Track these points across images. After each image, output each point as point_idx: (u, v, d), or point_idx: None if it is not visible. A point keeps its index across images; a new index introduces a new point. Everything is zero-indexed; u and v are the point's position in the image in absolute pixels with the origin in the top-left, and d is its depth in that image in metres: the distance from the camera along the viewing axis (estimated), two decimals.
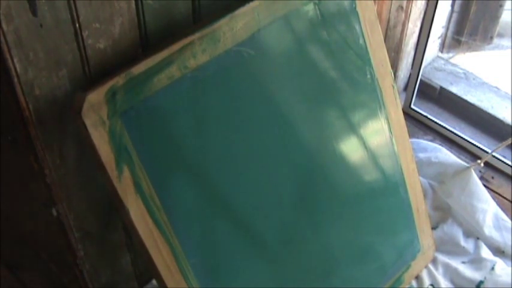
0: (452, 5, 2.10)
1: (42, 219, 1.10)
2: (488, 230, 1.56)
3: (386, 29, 1.77)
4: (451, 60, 2.19)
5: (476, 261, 1.52)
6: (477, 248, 1.55)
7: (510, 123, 1.88)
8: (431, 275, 1.50)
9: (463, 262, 1.53)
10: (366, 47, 1.25)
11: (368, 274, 1.37)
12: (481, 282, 1.47)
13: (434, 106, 2.00)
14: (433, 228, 1.56)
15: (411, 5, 1.74)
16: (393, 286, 1.42)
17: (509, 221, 1.58)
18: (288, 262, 1.23)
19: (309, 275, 1.27)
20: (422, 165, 1.67)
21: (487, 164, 1.72)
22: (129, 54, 0.98)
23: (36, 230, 1.21)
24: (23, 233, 1.29)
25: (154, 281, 1.34)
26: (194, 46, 0.99)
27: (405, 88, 1.98)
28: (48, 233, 1.15)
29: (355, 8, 1.21)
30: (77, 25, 0.87)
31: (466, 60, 2.21)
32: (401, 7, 1.74)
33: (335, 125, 1.25)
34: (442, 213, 1.63)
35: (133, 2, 0.94)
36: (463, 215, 1.59)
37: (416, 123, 1.93)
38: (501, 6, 2.20)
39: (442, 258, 1.53)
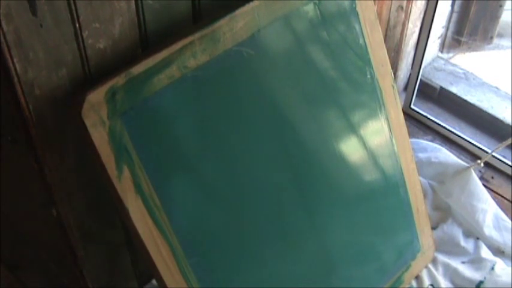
0: (452, 5, 2.09)
1: (42, 219, 1.10)
2: (488, 230, 1.56)
3: (386, 29, 1.77)
4: (451, 60, 2.19)
5: (476, 261, 1.52)
6: (477, 248, 1.55)
7: (510, 123, 1.88)
8: (431, 275, 1.49)
9: (463, 262, 1.52)
10: (366, 47, 1.25)
11: (368, 274, 1.37)
12: (481, 282, 1.47)
13: (434, 106, 2.00)
14: (433, 228, 1.56)
15: (411, 5, 1.74)
16: (393, 286, 1.42)
17: (509, 221, 1.58)
18: (288, 262, 1.23)
19: (309, 275, 1.27)
20: (422, 165, 1.67)
21: (487, 164, 1.72)
22: (129, 54, 0.98)
23: (36, 230, 1.21)
24: (23, 233, 1.29)
25: (154, 281, 1.34)
26: (194, 46, 0.99)
27: (405, 88, 1.98)
28: (48, 233, 1.15)
29: (355, 8, 1.21)
30: (77, 25, 0.87)
31: (466, 60, 2.21)
32: (401, 7, 1.74)
33: (335, 125, 1.25)
34: (442, 213, 1.63)
35: (133, 2, 0.94)
36: (463, 215, 1.59)
37: (416, 123, 1.93)
38: (501, 6, 2.20)
39: (442, 258, 1.53)
